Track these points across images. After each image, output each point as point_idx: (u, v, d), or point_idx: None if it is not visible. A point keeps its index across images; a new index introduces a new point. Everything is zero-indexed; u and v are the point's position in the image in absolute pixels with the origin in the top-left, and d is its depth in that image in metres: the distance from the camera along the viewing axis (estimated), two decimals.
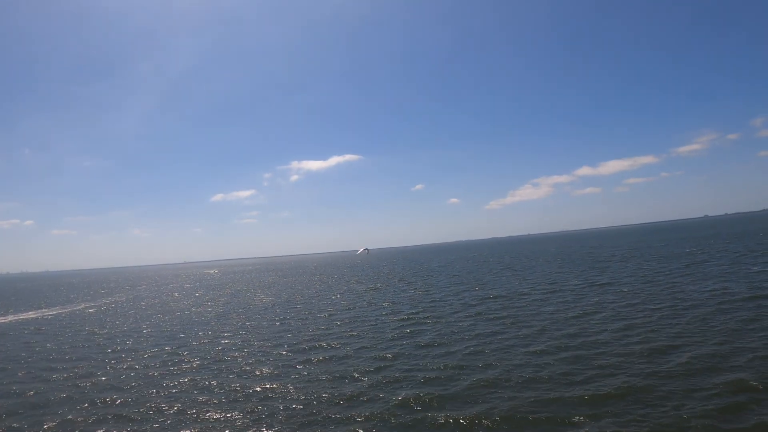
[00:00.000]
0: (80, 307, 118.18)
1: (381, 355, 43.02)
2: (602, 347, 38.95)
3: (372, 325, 58.50)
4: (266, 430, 27.85)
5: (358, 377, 36.68)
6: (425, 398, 30.57)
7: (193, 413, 31.44)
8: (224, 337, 57.97)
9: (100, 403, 35.41)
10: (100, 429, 30.23)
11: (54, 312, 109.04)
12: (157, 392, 37.07)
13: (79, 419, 32.24)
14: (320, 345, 49.19)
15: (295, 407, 31.18)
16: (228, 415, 30.78)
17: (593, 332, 44.36)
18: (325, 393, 33.46)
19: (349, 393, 32.96)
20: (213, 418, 30.77)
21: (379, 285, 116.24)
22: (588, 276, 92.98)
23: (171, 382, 39.57)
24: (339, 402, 31.55)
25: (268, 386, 36.10)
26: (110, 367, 47.17)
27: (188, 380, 39.54)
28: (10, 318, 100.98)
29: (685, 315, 48.05)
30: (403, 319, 60.20)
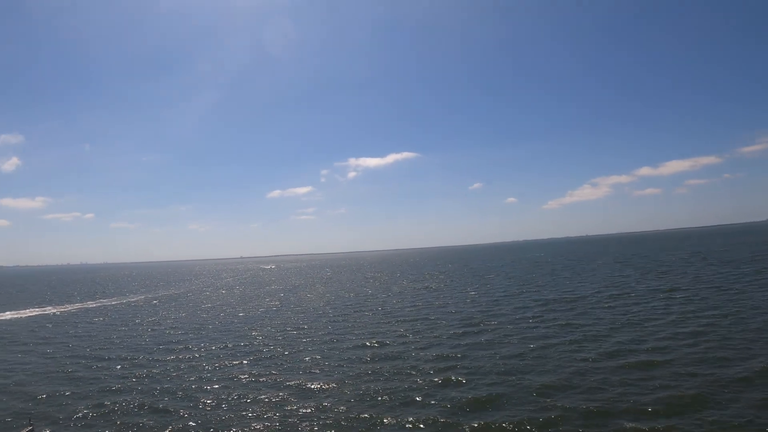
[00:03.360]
0: (139, 298, 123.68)
1: (442, 354, 42.66)
2: (670, 354, 37.68)
3: (431, 325, 58.08)
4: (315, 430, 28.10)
5: (417, 382, 35.99)
6: (486, 403, 30.29)
7: (244, 409, 32.02)
8: (280, 333, 58.79)
9: (147, 391, 37.09)
10: (147, 415, 31.91)
11: (113, 302, 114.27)
12: (205, 385, 37.93)
13: (125, 405, 34.06)
14: (378, 344, 49.25)
15: (348, 409, 31.06)
16: (276, 412, 30.97)
17: (659, 338, 42.93)
18: (381, 395, 33.38)
19: (407, 397, 32.72)
20: (262, 415, 30.89)
21: (434, 285, 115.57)
22: (650, 280, 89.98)
23: (222, 376, 40.38)
24: (395, 405, 31.36)
25: (321, 386, 36.07)
26: (161, 358, 48.76)
27: (241, 375, 40.19)
28: (70, 306, 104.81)
29: (759, 325, 45.49)
30: (462, 320, 59.79)
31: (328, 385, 36.19)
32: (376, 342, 50.03)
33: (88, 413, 33.01)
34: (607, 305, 64.16)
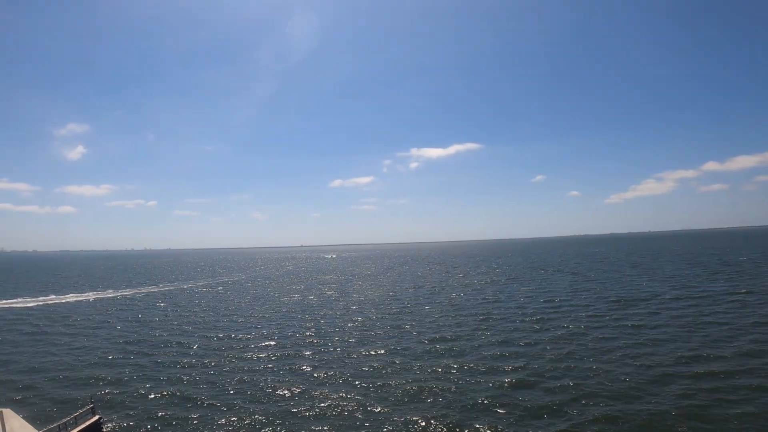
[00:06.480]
0: (200, 284, 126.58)
1: (507, 355, 41.23)
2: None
3: (494, 323, 56.09)
4: None
5: (481, 385, 34.41)
6: (550, 409, 28.89)
7: (301, 401, 31.93)
8: (341, 325, 57.91)
9: (203, 377, 37.99)
10: (204, 401, 32.33)
11: (175, 287, 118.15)
12: (262, 375, 38.18)
13: (182, 389, 34.96)
14: (442, 341, 47.84)
15: (408, 409, 30.26)
16: (336, 406, 30.72)
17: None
18: (444, 396, 32.14)
19: (473, 400, 31.28)
20: (318, 406, 30.76)
21: (497, 278, 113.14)
22: (721, 281, 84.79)
23: (280, 365, 40.63)
24: (461, 409, 30.09)
25: (377, 382, 35.49)
26: (219, 344, 49.58)
27: (298, 365, 40.38)
28: (134, 290, 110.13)
29: None
30: (527, 318, 57.84)
31: (388, 381, 35.69)
32: (440, 338, 48.95)
33: (147, 395, 33.96)
34: (675, 307, 60.72)
